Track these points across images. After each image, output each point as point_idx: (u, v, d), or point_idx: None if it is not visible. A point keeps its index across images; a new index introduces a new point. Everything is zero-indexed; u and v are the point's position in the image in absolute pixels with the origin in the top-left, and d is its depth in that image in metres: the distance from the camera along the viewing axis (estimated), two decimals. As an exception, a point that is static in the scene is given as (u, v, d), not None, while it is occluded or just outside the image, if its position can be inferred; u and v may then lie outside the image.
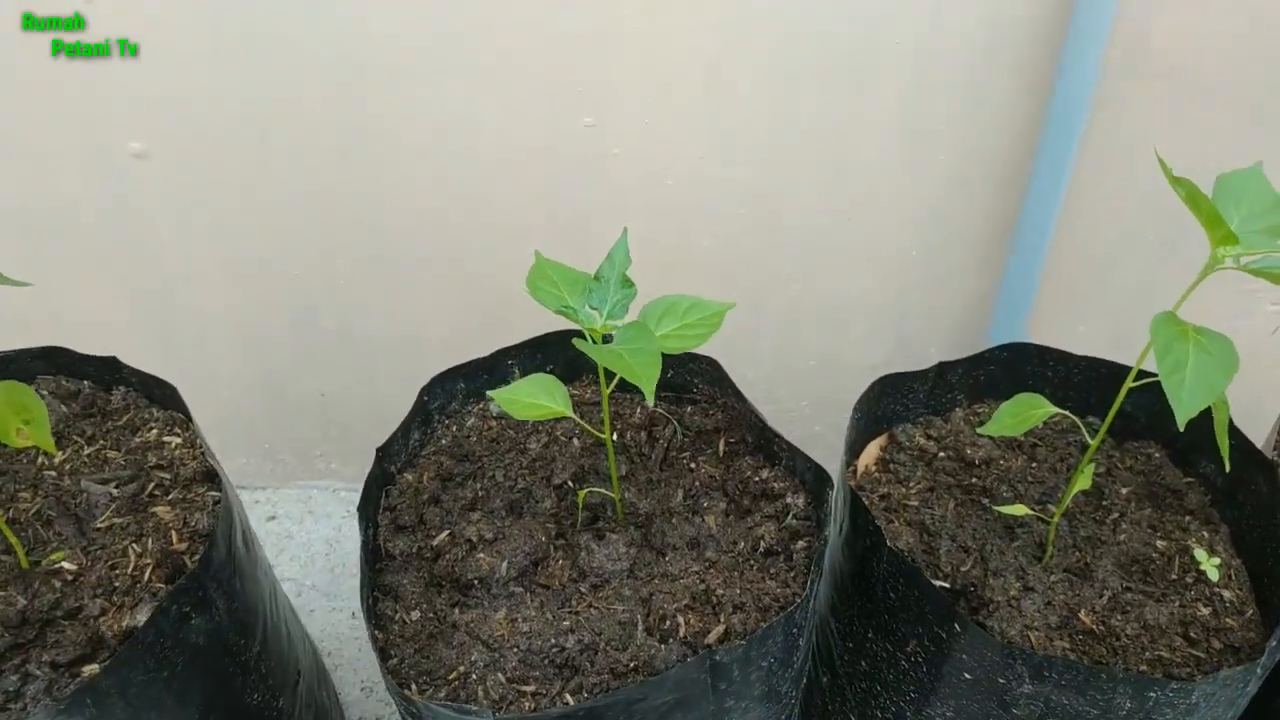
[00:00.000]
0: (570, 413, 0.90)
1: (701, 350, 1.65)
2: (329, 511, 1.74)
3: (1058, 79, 1.31)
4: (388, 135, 1.38)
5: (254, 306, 1.56)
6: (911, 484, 1.14)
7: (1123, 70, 1.32)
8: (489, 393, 0.90)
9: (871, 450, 1.20)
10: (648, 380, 0.77)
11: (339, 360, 1.63)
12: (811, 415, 1.75)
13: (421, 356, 1.62)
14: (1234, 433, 1.10)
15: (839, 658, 1.12)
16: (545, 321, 1.10)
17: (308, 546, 1.68)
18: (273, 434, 1.74)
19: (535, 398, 0.90)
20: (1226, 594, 0.99)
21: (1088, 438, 0.99)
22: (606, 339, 0.88)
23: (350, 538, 1.69)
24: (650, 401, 0.77)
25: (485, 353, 1.16)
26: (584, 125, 1.38)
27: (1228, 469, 0.93)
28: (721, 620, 0.88)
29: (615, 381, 0.90)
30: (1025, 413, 0.99)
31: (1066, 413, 1.00)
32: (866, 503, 1.10)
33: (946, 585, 1.03)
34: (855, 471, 1.17)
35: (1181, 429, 0.78)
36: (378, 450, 1.02)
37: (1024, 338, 1.53)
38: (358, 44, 1.31)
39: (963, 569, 1.04)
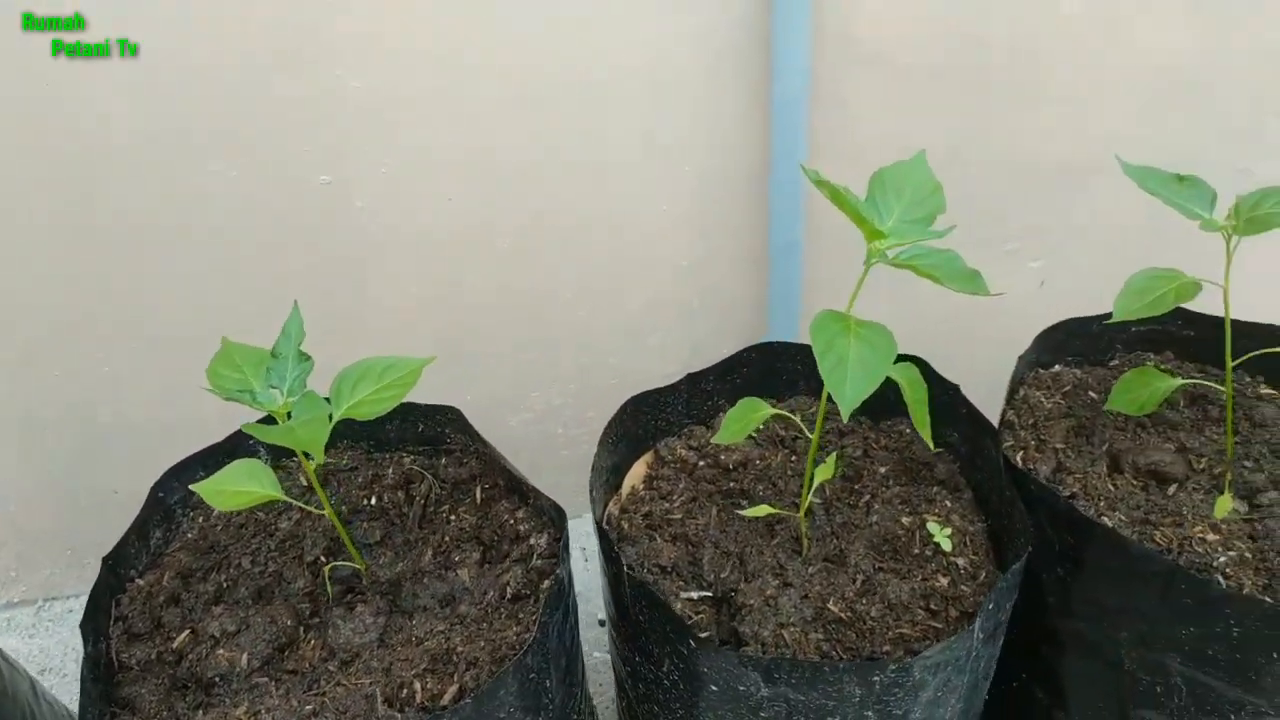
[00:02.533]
0: (279, 494, 0.88)
1: (504, 387, 1.65)
2: (144, 610, 1.67)
3: (775, 80, 1.35)
4: (129, 214, 1.34)
5: (23, 410, 1.50)
6: (675, 497, 1.16)
7: (833, 63, 1.36)
8: (191, 486, 0.88)
9: (638, 469, 1.21)
10: (315, 447, 0.77)
11: (125, 454, 1.57)
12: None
13: (206, 439, 1.58)
14: (963, 403, 1.15)
15: (626, 680, 1.13)
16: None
17: (123, 650, 1.61)
18: (73, 539, 1.67)
19: (239, 485, 0.88)
20: (961, 561, 1.03)
21: (806, 433, 1.02)
22: (290, 414, 0.87)
23: (170, 633, 1.63)
24: (320, 458, 0.77)
25: None
26: (321, 182, 1.36)
27: (931, 448, 0.96)
28: (455, 679, 0.88)
29: (310, 462, 0.89)
30: (748, 417, 1.02)
31: (784, 412, 1.03)
32: (627, 525, 1.11)
33: (709, 594, 1.04)
34: (621, 494, 1.18)
35: (846, 419, 0.81)
36: (105, 559, 0.99)
37: (798, 330, 1.58)
38: (84, 132, 1.27)
39: (723, 575, 1.05)
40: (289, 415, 0.85)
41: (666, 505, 1.15)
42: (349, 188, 1.37)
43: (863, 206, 0.86)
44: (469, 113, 1.35)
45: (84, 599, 1.73)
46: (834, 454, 1.06)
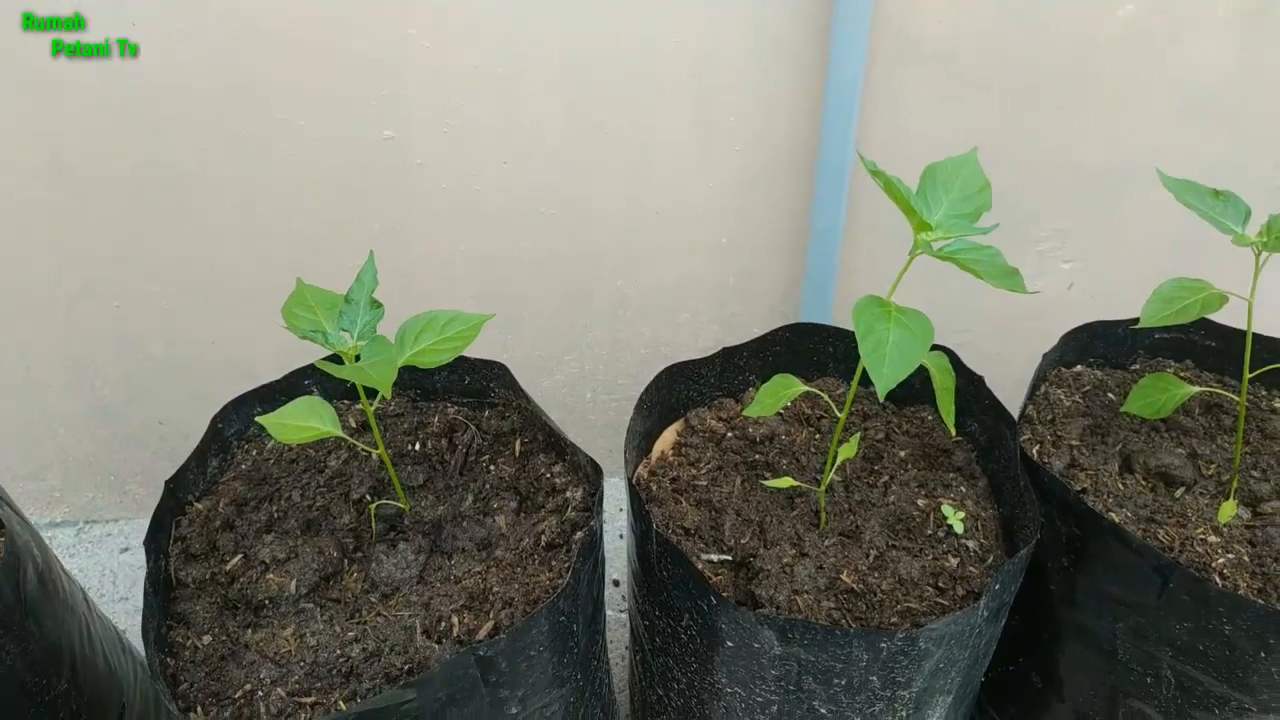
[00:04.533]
0: (338, 432, 0.94)
1: (540, 349, 1.71)
2: (181, 536, 1.75)
3: (831, 68, 1.39)
4: (194, 164, 1.40)
5: (78, 340, 1.56)
6: (701, 465, 1.21)
7: (890, 55, 1.40)
8: (257, 419, 0.94)
9: (668, 435, 1.27)
10: (383, 384, 0.83)
11: (172, 388, 1.64)
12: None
13: (254, 379, 1.65)
14: (986, 395, 1.19)
15: (643, 636, 1.19)
16: None
17: (160, 573, 1.69)
18: (117, 466, 1.74)
19: (303, 420, 0.94)
20: (971, 544, 1.08)
21: (836, 412, 1.07)
22: (359, 357, 0.92)
23: (205, 560, 1.71)
24: (387, 394, 0.82)
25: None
26: (384, 137, 1.41)
27: (952, 434, 1.01)
28: (491, 616, 0.94)
29: (377, 397, 0.95)
30: (780, 392, 1.07)
31: (815, 390, 1.07)
32: (655, 487, 1.17)
33: (729, 558, 1.10)
34: (651, 458, 1.23)
35: (881, 399, 0.86)
36: (168, 482, 1.05)
37: (832, 313, 1.62)
38: (153, 84, 1.32)
39: (743, 541, 1.11)
40: (357, 358, 0.90)
41: (694, 472, 1.20)
42: (409, 145, 1.42)
43: (913, 198, 0.90)
44: (528, 82, 1.39)
45: (122, 523, 1.83)
46: (857, 434, 1.11)
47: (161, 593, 0.99)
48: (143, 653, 1.32)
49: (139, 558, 1.75)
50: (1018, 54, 1.42)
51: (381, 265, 1.49)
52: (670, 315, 1.70)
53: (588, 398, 1.80)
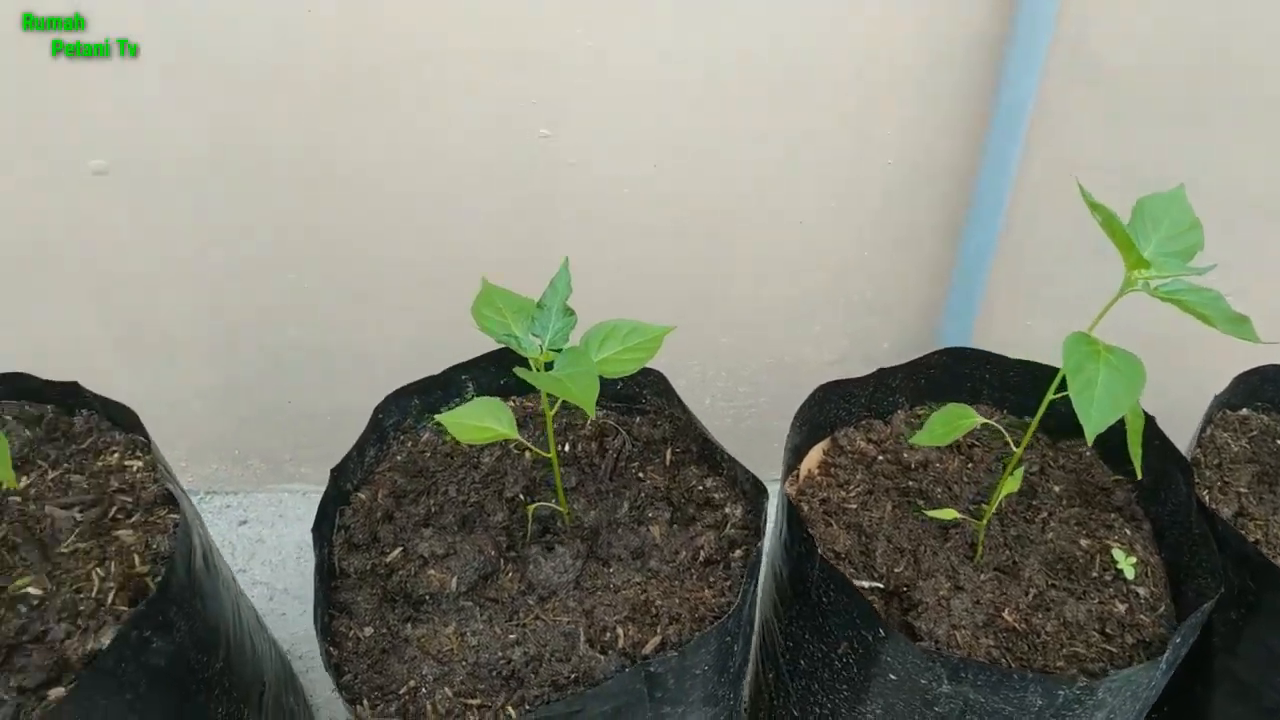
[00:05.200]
0: (515, 435, 0.94)
1: (665, 352, 1.70)
2: (300, 515, 1.78)
3: (1001, 85, 1.35)
4: (350, 154, 1.41)
5: (222, 319, 1.59)
6: (851, 487, 1.19)
7: (1064, 77, 1.35)
8: (435, 417, 0.94)
9: (815, 454, 1.24)
10: (587, 402, 0.82)
11: (304, 370, 1.66)
12: (769, 410, 1.79)
13: (385, 367, 1.67)
14: (1156, 434, 1.15)
15: (782, 656, 1.18)
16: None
17: (279, 550, 1.72)
18: (242, 441, 1.78)
19: (480, 420, 0.94)
20: (1142, 591, 1.04)
21: (1013, 445, 1.04)
22: (549, 365, 0.92)
23: (322, 539, 1.73)
24: (591, 414, 0.81)
25: (444, 366, 1.19)
26: (540, 135, 1.41)
27: (1139, 477, 0.98)
28: (658, 631, 0.93)
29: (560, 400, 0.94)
30: (954, 422, 1.04)
31: (993, 423, 1.04)
32: (806, 507, 1.15)
33: (880, 585, 1.08)
34: (798, 476, 1.21)
35: (1090, 443, 0.83)
36: (332, 471, 1.06)
37: (972, 336, 1.58)
38: (315, 71, 1.33)
39: (896, 570, 1.09)
40: (548, 366, 0.90)
41: (843, 494, 1.18)
42: (563, 143, 1.41)
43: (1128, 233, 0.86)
44: (686, 85, 1.37)
45: (241, 496, 1.86)
46: (1020, 468, 1.08)
47: (325, 581, 1.00)
48: (271, 630, 1.35)
49: (256, 530, 1.78)
50: (1189, 80, 1.36)
51: (524, 262, 1.49)
52: (799, 327, 1.67)
53: (706, 403, 1.79)
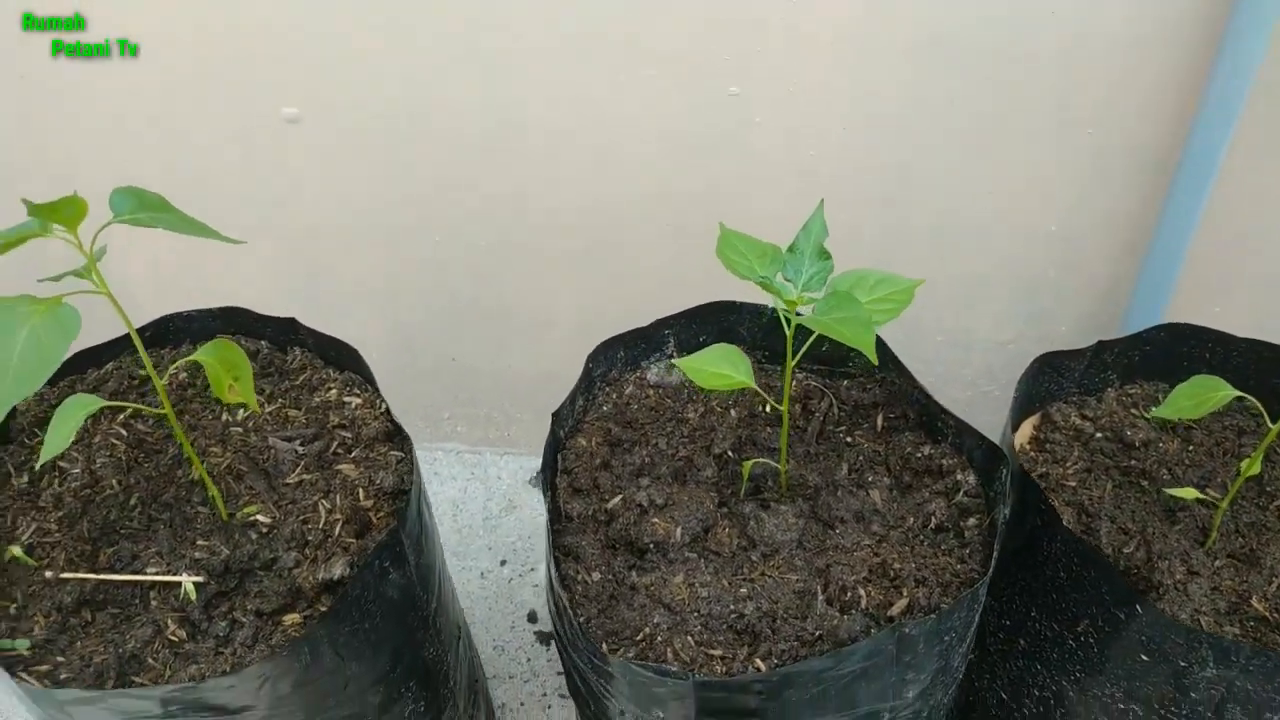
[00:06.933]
0: (752, 383, 0.91)
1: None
2: (454, 474, 1.78)
3: (1217, 61, 1.28)
4: (531, 116, 1.40)
5: (396, 271, 1.60)
6: (1068, 464, 1.14)
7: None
8: (674, 361, 0.92)
9: (1025, 429, 1.20)
10: (866, 345, 0.79)
11: (471, 328, 1.67)
12: (934, 389, 1.74)
13: (549, 330, 1.66)
14: None
15: (991, 635, 1.13)
16: (674, 304, 1.13)
17: (435, 508, 1.71)
18: (404, 396, 1.78)
19: (719, 367, 0.92)
20: (1407, 586, 0.98)
21: (1269, 422, 0.98)
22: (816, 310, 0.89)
23: (474, 499, 1.74)
24: (873, 359, 0.79)
25: (612, 332, 1.17)
26: (729, 94, 1.38)
27: None
28: (904, 594, 0.90)
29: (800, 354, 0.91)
30: (1203, 395, 0.99)
31: (1249, 396, 0.99)
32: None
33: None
34: (1012, 448, 1.17)
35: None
36: (553, 415, 1.05)
37: (1161, 320, 1.51)
38: (500, 30, 1.32)
39: (1125, 550, 1.04)
40: (797, 312, 0.87)
41: (1061, 470, 1.13)
42: (752, 102, 1.38)
43: None
44: (879, 46, 1.33)
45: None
46: (1263, 451, 1.02)
47: (552, 525, 0.98)
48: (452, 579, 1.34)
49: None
50: None
51: (706, 221, 1.47)
52: (978, 302, 1.62)
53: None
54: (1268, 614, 0.96)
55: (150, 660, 0.88)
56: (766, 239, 1.53)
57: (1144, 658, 0.91)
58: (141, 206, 0.75)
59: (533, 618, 1.58)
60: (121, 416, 1.09)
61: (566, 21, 1.32)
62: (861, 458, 1.07)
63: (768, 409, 1.16)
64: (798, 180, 1.46)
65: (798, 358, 0.92)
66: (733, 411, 1.15)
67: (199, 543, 0.97)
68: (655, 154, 1.44)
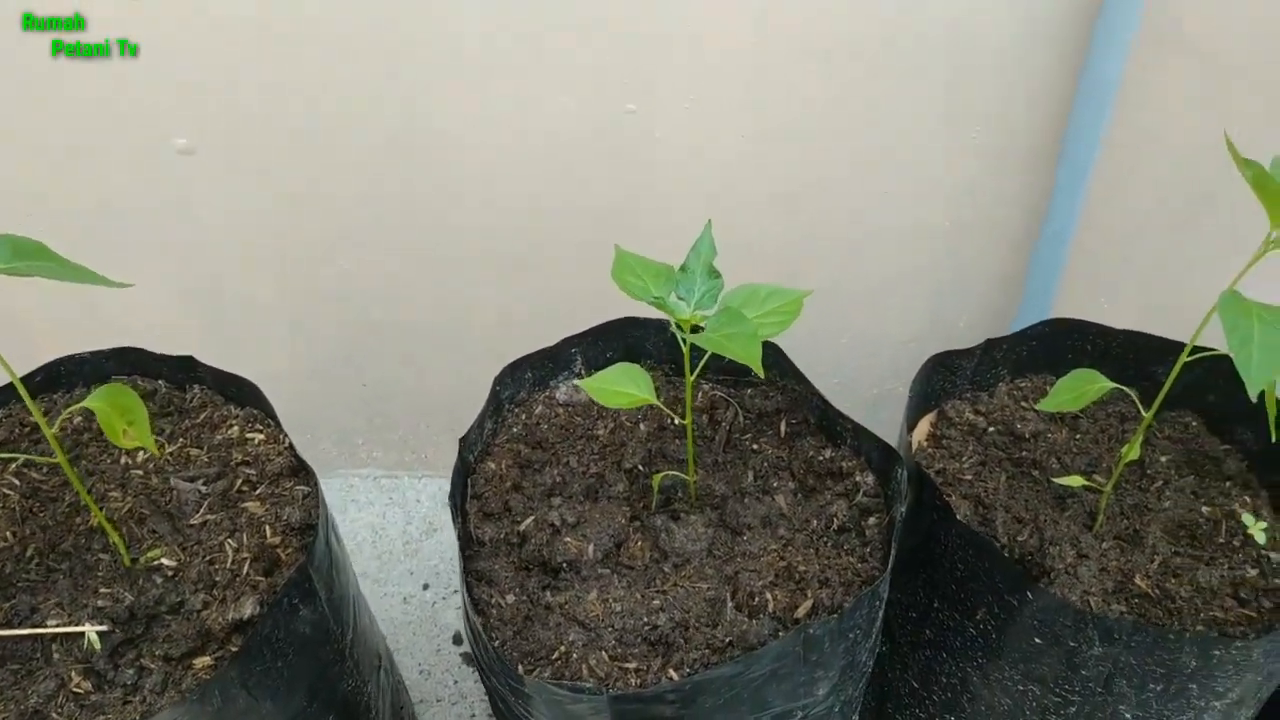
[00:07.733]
0: (655, 399, 0.93)
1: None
2: (371, 499, 1.77)
3: (1090, 57, 1.35)
4: (435, 130, 1.40)
5: (301, 298, 1.58)
6: (964, 458, 1.19)
7: (1153, 49, 1.35)
8: (577, 383, 0.93)
9: (922, 427, 1.24)
10: (754, 360, 0.81)
11: (381, 352, 1.65)
12: (842, 390, 1.79)
13: (460, 351, 1.66)
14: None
15: (900, 627, 1.17)
16: (584, 318, 1.14)
17: (353, 535, 1.71)
18: (316, 423, 1.76)
19: (622, 386, 0.93)
20: (1274, 556, 1.04)
21: (1142, 411, 1.04)
22: (694, 329, 0.91)
23: (393, 524, 1.72)
24: (761, 373, 0.81)
25: (535, 347, 1.18)
26: (626, 111, 1.41)
27: (1275, 438, 0.97)
28: (809, 595, 0.93)
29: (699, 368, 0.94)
30: (1082, 388, 1.04)
31: (1124, 387, 1.04)
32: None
33: (1004, 555, 1.08)
34: (909, 447, 1.21)
35: (1254, 400, 0.83)
36: (460, 440, 1.05)
37: (1051, 312, 1.58)
38: (405, 40, 1.32)
39: (1019, 539, 1.08)
40: (694, 328, 0.89)
41: (957, 465, 1.17)
42: (652, 118, 1.41)
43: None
44: (771, 58, 1.37)
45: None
46: (1140, 437, 1.08)
47: (463, 550, 0.99)
48: (370, 608, 1.33)
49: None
50: None
51: (614, 236, 1.49)
52: (879, 302, 1.67)
53: (776, 384, 1.78)
54: (1149, 590, 1.02)
55: (54, 715, 0.86)
56: (675, 251, 1.56)
57: (1037, 640, 0.96)
58: (16, 255, 0.73)
59: (458, 640, 1.57)
60: (14, 466, 1.06)
61: (469, 39, 1.32)
62: (766, 464, 1.10)
63: (676, 422, 1.18)
64: (702, 193, 1.49)
65: (697, 372, 0.95)
66: (642, 426, 1.16)
67: (101, 590, 0.95)
68: (561, 170, 1.46)
